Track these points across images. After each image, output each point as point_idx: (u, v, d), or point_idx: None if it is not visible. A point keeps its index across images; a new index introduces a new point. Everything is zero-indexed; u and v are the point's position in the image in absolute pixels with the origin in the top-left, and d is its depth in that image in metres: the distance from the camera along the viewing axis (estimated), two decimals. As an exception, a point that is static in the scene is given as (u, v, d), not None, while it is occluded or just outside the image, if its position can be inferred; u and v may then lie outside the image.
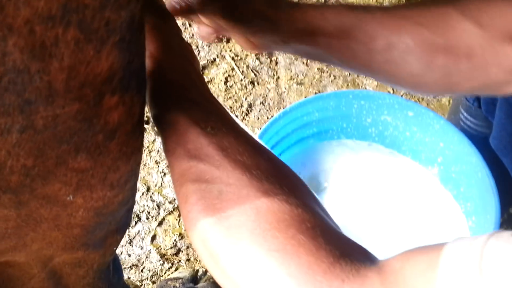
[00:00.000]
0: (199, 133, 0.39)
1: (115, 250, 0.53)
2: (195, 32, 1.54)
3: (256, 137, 0.90)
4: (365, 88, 1.41)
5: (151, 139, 1.29)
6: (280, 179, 0.36)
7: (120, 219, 0.47)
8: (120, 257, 1.10)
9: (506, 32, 0.45)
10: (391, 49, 0.48)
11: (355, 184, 1.01)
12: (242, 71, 1.45)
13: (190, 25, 1.54)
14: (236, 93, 1.40)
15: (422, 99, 1.37)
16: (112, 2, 0.28)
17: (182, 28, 1.53)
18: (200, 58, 1.47)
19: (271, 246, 0.31)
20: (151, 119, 0.46)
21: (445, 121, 0.91)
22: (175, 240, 1.13)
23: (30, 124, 0.28)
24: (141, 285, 1.08)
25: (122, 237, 0.51)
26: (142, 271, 1.08)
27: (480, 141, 0.87)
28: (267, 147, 0.92)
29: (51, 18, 0.25)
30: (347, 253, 0.31)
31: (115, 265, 0.60)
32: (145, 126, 1.24)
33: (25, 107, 0.27)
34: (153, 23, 0.46)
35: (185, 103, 0.42)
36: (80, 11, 0.26)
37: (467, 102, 0.85)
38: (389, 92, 1.39)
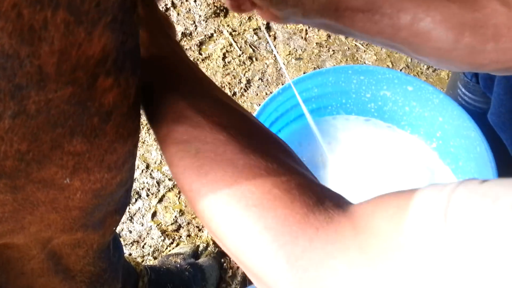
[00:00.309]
0: (178, 98, 0.41)
1: (115, 229, 0.53)
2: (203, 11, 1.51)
3: (254, 112, 0.90)
4: (364, 62, 1.39)
5: (150, 116, 1.28)
6: (257, 137, 0.38)
7: (119, 200, 0.47)
8: (121, 234, 1.11)
9: None
10: (418, 23, 0.47)
11: (355, 159, 1.01)
12: (240, 47, 1.43)
13: (186, 0, 1.51)
14: (234, 69, 1.38)
15: (421, 73, 1.36)
16: (102, -18, 0.27)
17: (178, 3, 1.50)
18: (197, 33, 1.45)
19: (249, 201, 0.33)
20: None
21: (444, 95, 0.90)
22: (175, 216, 1.14)
23: (23, 109, 0.28)
24: (142, 261, 1.09)
25: (121, 217, 0.52)
26: (143, 247, 1.10)
27: (478, 117, 0.86)
28: (266, 123, 0.92)
29: (39, 1, 0.24)
30: (321, 202, 0.32)
31: (115, 244, 0.60)
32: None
33: (16, 93, 0.27)
34: None
35: (166, 73, 0.44)
36: (69, -8, 0.25)
37: (465, 77, 0.84)
38: (388, 66, 1.38)
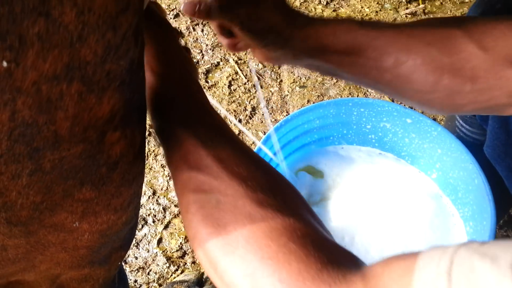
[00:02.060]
0: (198, 145, 0.41)
1: (120, 264, 0.56)
2: (215, 34, 1.56)
3: (258, 142, 0.92)
4: (367, 91, 1.42)
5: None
6: (274, 190, 0.39)
7: (124, 237, 0.50)
8: (127, 260, 1.14)
9: (509, 56, 0.47)
10: (400, 66, 0.49)
11: (356, 188, 1.03)
12: (246, 75, 1.46)
13: (194, 29, 1.56)
14: (239, 96, 1.42)
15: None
16: (112, 55, 0.30)
17: (186, 32, 1.55)
18: (204, 61, 1.49)
19: (265, 254, 0.34)
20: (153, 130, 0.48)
21: (442, 128, 0.93)
22: (181, 243, 1.16)
23: (39, 167, 0.31)
24: None
25: (126, 252, 0.54)
26: (148, 273, 1.12)
27: (476, 148, 0.88)
28: (269, 153, 0.95)
29: (55, 77, 0.27)
30: (335, 259, 0.34)
31: (120, 276, 0.63)
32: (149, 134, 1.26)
33: (33, 154, 0.30)
34: (151, 36, 0.47)
35: (186, 116, 0.45)
36: (82, 67, 0.29)
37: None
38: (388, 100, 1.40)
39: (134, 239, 1.18)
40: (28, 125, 0.28)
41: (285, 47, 0.53)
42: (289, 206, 0.37)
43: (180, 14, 1.58)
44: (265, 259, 0.34)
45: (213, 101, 1.48)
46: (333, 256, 0.34)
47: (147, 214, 1.20)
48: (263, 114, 1.40)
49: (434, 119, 1.29)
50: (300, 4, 1.61)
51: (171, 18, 1.58)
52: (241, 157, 0.41)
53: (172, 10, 1.60)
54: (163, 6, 1.59)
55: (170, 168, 0.43)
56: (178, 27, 1.56)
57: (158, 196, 1.23)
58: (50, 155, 0.31)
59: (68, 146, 0.32)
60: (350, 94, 1.42)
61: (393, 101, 1.39)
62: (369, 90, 1.42)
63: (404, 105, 1.19)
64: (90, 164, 0.36)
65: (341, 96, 1.43)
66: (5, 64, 0.25)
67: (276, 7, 0.52)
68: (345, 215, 1.00)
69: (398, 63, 0.49)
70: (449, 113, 0.54)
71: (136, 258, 1.14)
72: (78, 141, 0.32)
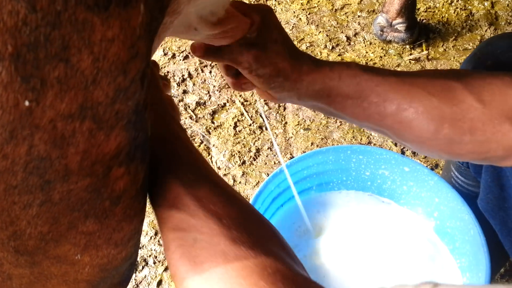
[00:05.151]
0: (177, 183, 0.44)
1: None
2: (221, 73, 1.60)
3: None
4: (370, 135, 1.45)
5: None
6: (248, 228, 0.41)
7: (123, 273, 0.51)
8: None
9: (505, 111, 0.49)
10: (402, 113, 0.51)
11: (355, 233, 1.04)
12: (251, 116, 1.50)
13: (202, 71, 1.61)
14: (244, 137, 1.45)
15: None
16: (121, 96, 0.33)
17: (195, 74, 1.60)
18: (211, 102, 1.53)
19: None
20: None
21: (439, 178, 0.94)
22: (179, 283, 1.15)
23: (48, 198, 0.33)
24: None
25: (124, 288, 0.55)
26: (146, 314, 1.11)
27: (471, 199, 0.89)
28: (269, 198, 0.96)
29: (70, 115, 0.30)
30: None
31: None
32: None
33: (45, 186, 0.32)
34: None
35: (167, 155, 0.47)
36: (94, 107, 0.31)
37: (457, 162, 0.88)
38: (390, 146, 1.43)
39: (134, 280, 1.17)
40: (42, 159, 0.30)
41: (291, 90, 0.55)
42: (261, 243, 0.39)
43: (189, 55, 1.64)
44: None
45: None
46: None
47: (148, 255, 1.20)
48: (267, 156, 1.42)
49: (432, 169, 1.31)
50: (307, 48, 1.66)
51: (180, 60, 1.63)
52: (218, 195, 0.43)
53: (182, 52, 1.66)
54: (174, 48, 1.66)
55: (152, 205, 0.46)
56: (187, 69, 1.61)
57: (160, 237, 1.23)
58: (60, 187, 0.33)
59: (77, 179, 0.34)
60: (353, 137, 1.45)
61: (396, 144, 1.41)
62: (373, 133, 1.44)
63: (402, 154, 1.21)
64: (95, 197, 0.38)
65: (345, 139, 1.45)
66: (27, 103, 0.27)
67: (284, 51, 0.54)
68: (342, 258, 1.00)
69: (400, 110, 0.51)
70: (448, 159, 0.56)
71: (134, 298, 1.13)
72: (86, 174, 0.34)
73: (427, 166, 1.27)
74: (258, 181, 1.35)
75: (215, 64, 1.58)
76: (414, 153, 1.39)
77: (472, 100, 0.50)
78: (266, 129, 1.46)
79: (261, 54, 0.53)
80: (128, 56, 0.31)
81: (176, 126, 0.51)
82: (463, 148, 0.51)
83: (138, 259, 1.18)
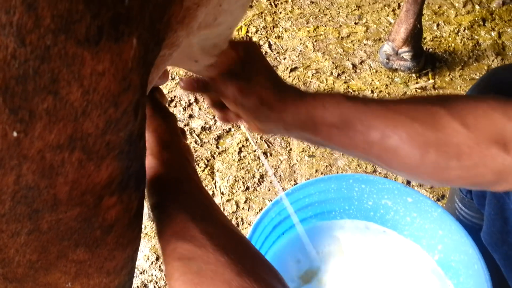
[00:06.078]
0: (188, 219, 0.46)
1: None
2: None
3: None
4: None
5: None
6: (251, 262, 0.44)
7: (116, 300, 0.51)
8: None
9: (491, 134, 0.48)
10: (386, 140, 0.51)
11: (357, 264, 1.02)
12: (256, 142, 1.50)
13: (209, 97, 1.62)
14: (249, 163, 1.45)
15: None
16: (112, 128, 0.33)
17: (201, 99, 1.62)
18: (216, 127, 1.54)
19: None
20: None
21: (442, 209, 0.93)
22: (179, 309, 1.14)
23: (37, 227, 0.33)
24: None
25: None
26: None
27: (475, 232, 0.87)
28: (270, 226, 0.96)
29: (59, 146, 0.30)
30: None
31: None
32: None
33: (33, 215, 0.32)
34: (155, 124, 0.53)
35: (180, 195, 0.50)
36: (84, 138, 0.32)
37: (461, 193, 0.87)
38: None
39: (132, 304, 1.16)
40: (30, 188, 0.31)
41: (277, 121, 0.56)
42: (261, 276, 0.42)
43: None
44: None
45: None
46: None
47: (148, 280, 1.19)
48: (271, 182, 1.42)
49: (438, 200, 1.29)
50: (312, 75, 1.67)
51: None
52: (225, 232, 0.46)
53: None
54: (181, 73, 1.68)
55: (159, 241, 0.48)
56: (193, 94, 1.63)
57: (162, 262, 1.22)
58: (48, 217, 0.33)
59: (66, 209, 0.34)
60: (358, 165, 1.44)
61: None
62: (376, 163, 1.44)
63: (408, 183, 1.19)
64: (85, 227, 0.38)
65: (350, 167, 1.45)
66: (15, 134, 0.28)
67: (268, 82, 0.55)
68: (343, 286, 0.98)
69: (384, 137, 0.51)
70: (439, 185, 0.56)
71: (133, 322, 1.12)
72: (75, 204, 0.35)
73: (433, 197, 1.26)
74: (261, 207, 1.35)
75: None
76: (420, 183, 1.37)
77: (456, 124, 0.49)
78: (266, 157, 1.46)
79: (245, 86, 0.55)
80: (119, 89, 0.32)
81: (190, 169, 0.55)
82: (452, 174, 0.51)
83: (139, 284, 1.17)
